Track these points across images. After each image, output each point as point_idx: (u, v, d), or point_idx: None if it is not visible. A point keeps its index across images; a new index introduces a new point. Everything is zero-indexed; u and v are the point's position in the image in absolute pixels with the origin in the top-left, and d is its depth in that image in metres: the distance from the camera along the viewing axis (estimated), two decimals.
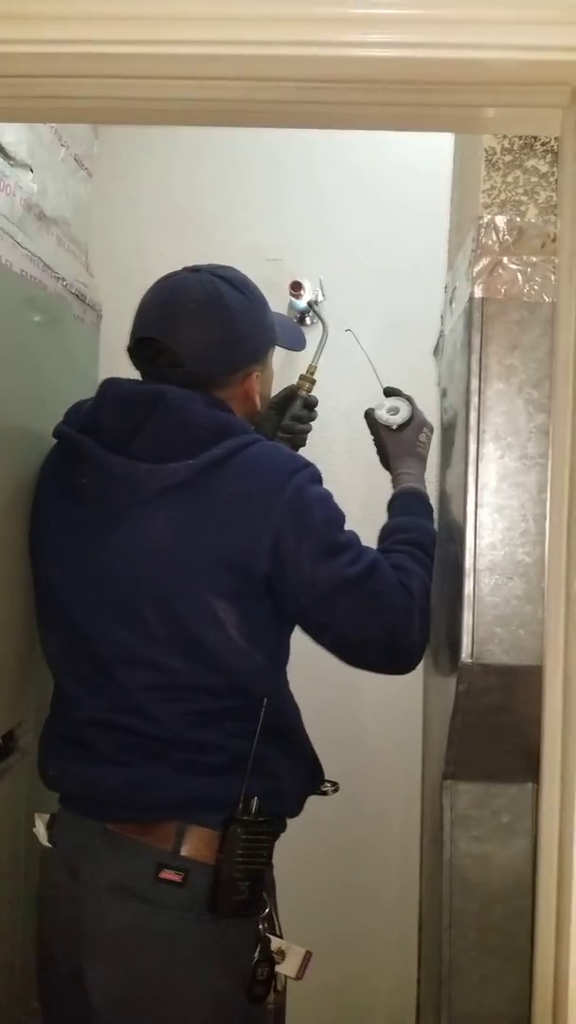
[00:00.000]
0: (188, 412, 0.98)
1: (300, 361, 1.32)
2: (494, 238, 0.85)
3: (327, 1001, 1.48)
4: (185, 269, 1.06)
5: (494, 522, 0.84)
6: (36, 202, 1.11)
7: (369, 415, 1.18)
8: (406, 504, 1.11)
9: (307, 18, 0.74)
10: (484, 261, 0.85)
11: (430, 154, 1.16)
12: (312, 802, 1.07)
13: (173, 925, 0.93)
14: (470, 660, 0.83)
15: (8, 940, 1.12)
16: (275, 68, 0.76)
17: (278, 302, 1.37)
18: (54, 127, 1.16)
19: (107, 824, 0.96)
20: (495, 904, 0.90)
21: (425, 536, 1.07)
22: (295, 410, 1.24)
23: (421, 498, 1.12)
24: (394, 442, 1.15)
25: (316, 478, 1.00)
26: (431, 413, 1.17)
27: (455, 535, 0.89)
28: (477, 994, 0.90)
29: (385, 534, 1.10)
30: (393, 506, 1.13)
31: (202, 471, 0.95)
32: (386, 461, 1.18)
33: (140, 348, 1.04)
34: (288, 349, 1.18)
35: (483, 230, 0.85)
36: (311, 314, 1.43)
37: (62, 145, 1.19)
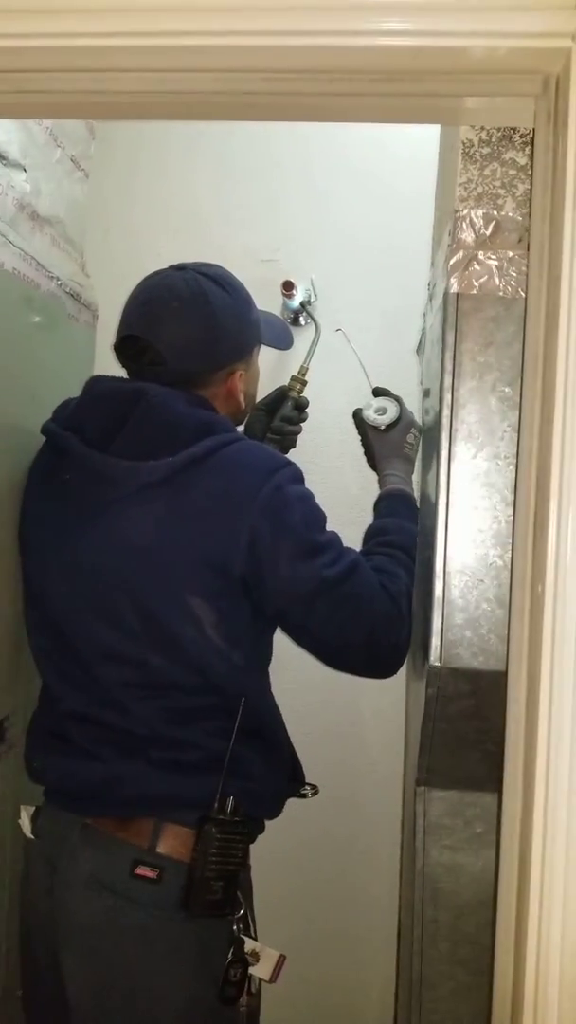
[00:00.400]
0: (169, 410, 0.98)
1: (293, 362, 1.31)
2: (470, 232, 0.83)
3: (309, 1001, 1.47)
4: (170, 267, 1.06)
5: (465, 523, 0.82)
6: (29, 202, 1.13)
7: (357, 415, 1.16)
8: (391, 506, 1.10)
9: (281, 7, 0.72)
10: (459, 255, 0.83)
11: (426, 154, 1.14)
12: (298, 802, 1.06)
13: (146, 921, 0.93)
14: (438, 664, 0.81)
15: None
16: (245, 59, 0.75)
17: (273, 302, 1.37)
18: (48, 128, 1.17)
19: (85, 818, 0.97)
20: (467, 915, 0.88)
21: (408, 538, 1.05)
22: (285, 411, 1.23)
23: (406, 500, 1.10)
24: (381, 443, 1.13)
25: (297, 477, 0.99)
26: (420, 414, 1.15)
27: (429, 536, 0.87)
28: (447, 1005, 0.88)
29: (368, 536, 1.08)
30: (378, 508, 1.11)
31: (181, 468, 0.95)
32: (373, 462, 1.16)
33: (124, 346, 1.04)
34: (273, 347, 1.17)
35: (459, 224, 0.83)
36: (304, 314, 1.42)
37: (57, 146, 1.20)
